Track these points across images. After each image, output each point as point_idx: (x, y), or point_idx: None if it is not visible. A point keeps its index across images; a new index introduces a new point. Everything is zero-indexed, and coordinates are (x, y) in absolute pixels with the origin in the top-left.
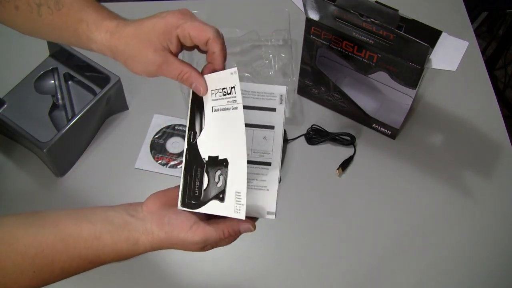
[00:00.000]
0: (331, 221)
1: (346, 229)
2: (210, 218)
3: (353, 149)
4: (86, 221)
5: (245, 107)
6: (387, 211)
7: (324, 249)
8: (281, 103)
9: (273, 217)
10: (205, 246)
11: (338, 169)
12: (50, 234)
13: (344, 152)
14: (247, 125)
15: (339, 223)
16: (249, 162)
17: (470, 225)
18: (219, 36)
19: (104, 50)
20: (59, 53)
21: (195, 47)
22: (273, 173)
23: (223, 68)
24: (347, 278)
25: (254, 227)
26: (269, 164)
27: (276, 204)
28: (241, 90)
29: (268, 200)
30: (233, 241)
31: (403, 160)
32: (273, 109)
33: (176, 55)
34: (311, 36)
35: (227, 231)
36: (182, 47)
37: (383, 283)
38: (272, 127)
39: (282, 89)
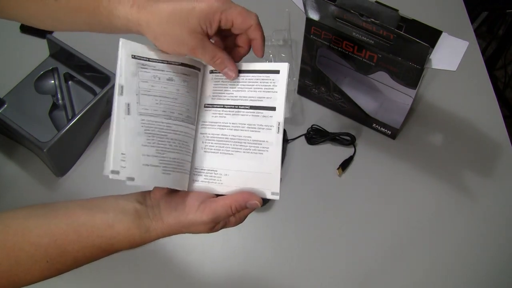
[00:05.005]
0: (331, 221)
1: (346, 229)
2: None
3: (353, 149)
4: (98, 210)
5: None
6: (387, 211)
7: (324, 249)
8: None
9: (277, 197)
10: (215, 225)
11: (338, 169)
12: (63, 224)
13: (344, 152)
14: (248, 107)
15: (339, 223)
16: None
17: (470, 224)
18: (260, 24)
19: (129, 25)
20: (59, 53)
21: (228, 32)
22: (275, 152)
23: (263, 54)
24: (347, 278)
25: (261, 203)
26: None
27: (280, 184)
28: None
29: (272, 181)
30: (241, 221)
31: (403, 160)
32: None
33: (210, 38)
34: (311, 36)
35: (234, 207)
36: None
37: (383, 282)
38: (273, 108)
39: (284, 65)
